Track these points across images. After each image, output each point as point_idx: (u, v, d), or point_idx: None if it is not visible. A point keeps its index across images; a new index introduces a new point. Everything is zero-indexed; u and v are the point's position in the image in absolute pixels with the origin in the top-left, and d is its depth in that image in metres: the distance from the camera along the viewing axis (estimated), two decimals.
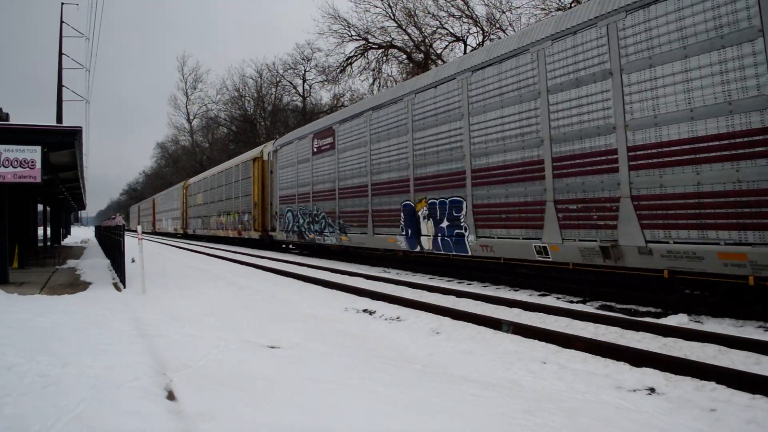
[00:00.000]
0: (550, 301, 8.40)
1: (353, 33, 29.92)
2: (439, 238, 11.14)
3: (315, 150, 17.03)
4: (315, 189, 17.02)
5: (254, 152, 24.47)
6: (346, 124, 15.02)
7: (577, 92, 8.10)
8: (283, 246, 23.12)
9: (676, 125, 6.76)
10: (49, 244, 30.79)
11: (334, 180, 15.70)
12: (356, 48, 30.67)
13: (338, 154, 15.38)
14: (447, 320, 6.92)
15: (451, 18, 26.93)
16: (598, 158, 7.77)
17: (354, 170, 14.55)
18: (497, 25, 25.25)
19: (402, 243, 12.47)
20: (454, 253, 10.76)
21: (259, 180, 22.78)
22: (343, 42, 30.52)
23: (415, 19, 27.90)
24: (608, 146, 7.62)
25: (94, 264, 16.27)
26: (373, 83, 31.43)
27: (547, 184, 8.61)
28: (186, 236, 42.01)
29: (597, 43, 7.79)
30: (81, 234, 64.76)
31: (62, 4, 26.11)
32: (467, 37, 27.59)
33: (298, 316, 7.40)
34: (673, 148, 6.79)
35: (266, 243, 23.91)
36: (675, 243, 6.78)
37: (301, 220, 18.04)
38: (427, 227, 11.52)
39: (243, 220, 25.09)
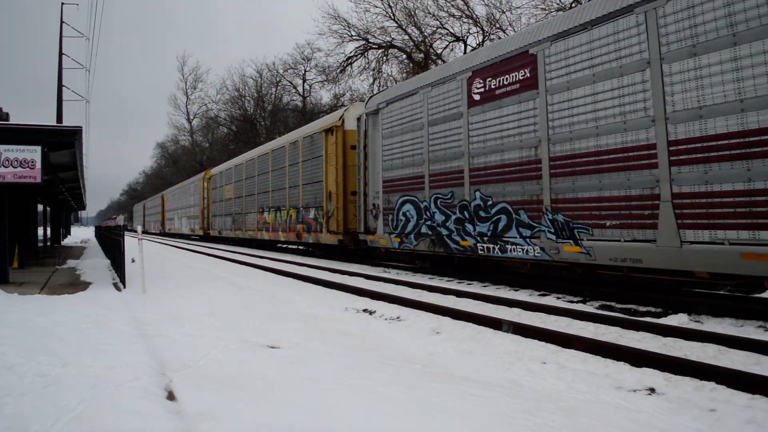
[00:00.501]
0: (550, 301, 8.40)
1: (353, 33, 29.93)
2: None
3: (475, 98, 10.19)
4: (477, 163, 10.14)
5: (327, 120, 17.18)
6: (569, 39, 8.32)
7: None
8: (387, 255, 15.87)
9: None
10: (49, 244, 30.79)
11: (534, 144, 8.90)
12: (356, 48, 30.69)
13: (548, 95, 8.67)
14: (447, 320, 6.92)
15: (451, 18, 26.95)
16: None
17: (605, 120, 7.78)
18: (497, 25, 25.26)
19: None
20: None
21: (339, 159, 15.88)
22: (343, 42, 30.54)
23: (415, 19, 27.91)
24: None
25: (94, 264, 16.28)
26: (373, 83, 31.45)
27: None
28: (207, 239, 34.57)
29: None
30: (81, 234, 64.77)
31: (62, 4, 26.15)
32: (467, 37, 27.62)
33: (298, 316, 7.40)
34: None
35: (351, 252, 16.96)
36: None
37: (438, 218, 11.17)
38: None
39: (306, 219, 17.98)
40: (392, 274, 12.84)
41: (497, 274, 11.73)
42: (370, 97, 14.46)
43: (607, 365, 4.81)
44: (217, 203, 30.70)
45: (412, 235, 12.02)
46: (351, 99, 34.74)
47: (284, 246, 24.12)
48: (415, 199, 11.98)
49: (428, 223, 11.50)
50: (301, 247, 22.57)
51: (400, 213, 12.50)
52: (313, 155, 17.63)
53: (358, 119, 14.45)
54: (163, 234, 51.07)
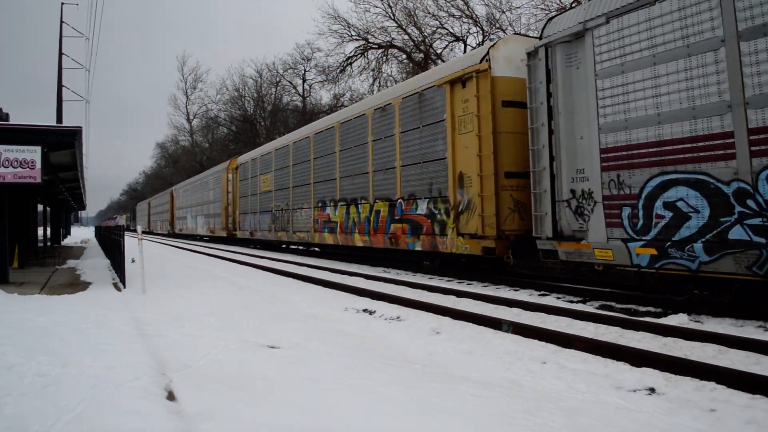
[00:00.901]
0: (550, 300, 8.40)
1: (353, 33, 29.93)
2: None
3: None
4: None
5: (457, 64, 11.33)
6: None
7: None
8: None
9: None
10: (49, 244, 30.81)
11: None
12: (356, 48, 30.68)
13: None
14: (447, 320, 6.92)
15: (451, 18, 26.95)
16: None
17: None
18: (497, 25, 25.27)
19: None
20: None
21: (483, 123, 10.22)
22: (343, 42, 30.52)
23: (415, 19, 27.92)
24: None
25: (94, 264, 16.28)
26: (373, 83, 31.46)
27: None
28: (233, 241, 29.04)
29: None
30: (81, 234, 64.69)
31: (62, 4, 26.15)
32: (467, 37, 27.63)
33: (298, 316, 7.40)
34: None
35: (505, 267, 11.76)
36: None
37: None
38: None
39: (410, 215, 12.24)
40: (392, 274, 12.83)
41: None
42: (552, 18, 9.00)
43: (607, 365, 4.81)
44: (247, 198, 24.70)
45: (696, 245, 6.60)
46: (351, 99, 34.74)
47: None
48: (704, 178, 6.59)
49: (754, 221, 6.07)
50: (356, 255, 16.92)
51: (657, 205, 7.10)
52: (425, 121, 11.81)
53: (530, 55, 9.02)
54: (173, 235, 46.10)
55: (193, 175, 42.81)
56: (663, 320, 6.55)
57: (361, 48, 30.53)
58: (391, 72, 31.83)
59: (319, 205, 16.97)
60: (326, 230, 16.34)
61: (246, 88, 49.36)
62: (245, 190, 25.17)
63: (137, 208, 73.68)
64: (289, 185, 19.60)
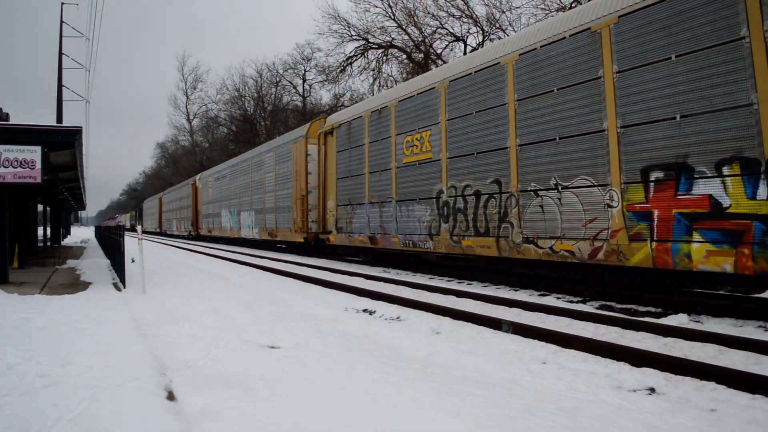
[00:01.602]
0: (550, 301, 8.40)
1: (353, 33, 29.97)
2: None
3: None
4: None
5: None
6: None
7: None
8: None
9: None
10: (49, 244, 30.83)
11: None
12: (356, 48, 30.73)
13: None
14: (447, 320, 6.92)
15: (451, 18, 26.98)
16: None
17: None
18: (497, 25, 25.27)
19: None
20: None
21: None
22: (343, 42, 30.59)
23: (415, 19, 27.95)
24: None
25: (94, 264, 16.28)
26: (373, 83, 31.48)
27: None
28: (316, 250, 19.44)
29: None
30: (81, 234, 64.61)
31: (62, 4, 26.15)
32: (467, 37, 27.64)
33: (298, 316, 7.40)
34: None
35: None
36: None
37: None
38: None
39: None
40: (392, 274, 12.83)
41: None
42: None
43: (607, 365, 4.81)
44: (358, 179, 14.56)
45: None
46: (351, 99, 34.76)
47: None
48: None
49: None
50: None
51: None
52: None
53: None
54: (196, 237, 37.13)
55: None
56: (663, 320, 6.55)
57: (361, 48, 30.56)
58: (391, 72, 31.87)
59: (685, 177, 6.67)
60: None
61: (246, 87, 49.47)
62: (351, 165, 14.96)
63: (144, 206, 64.39)
64: (508, 144, 9.54)
